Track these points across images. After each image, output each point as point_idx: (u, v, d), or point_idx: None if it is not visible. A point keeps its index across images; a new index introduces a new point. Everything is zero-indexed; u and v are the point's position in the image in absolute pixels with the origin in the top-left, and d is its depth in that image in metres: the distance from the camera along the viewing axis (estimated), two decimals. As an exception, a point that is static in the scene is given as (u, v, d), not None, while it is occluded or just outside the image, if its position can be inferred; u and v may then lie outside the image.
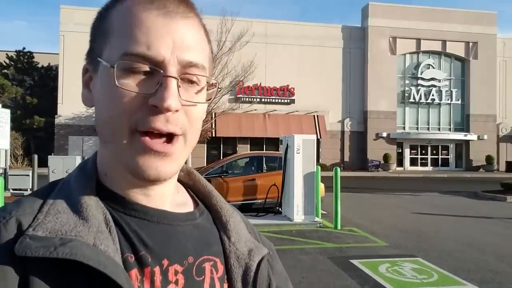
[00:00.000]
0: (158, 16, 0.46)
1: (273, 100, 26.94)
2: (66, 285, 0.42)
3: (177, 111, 0.46)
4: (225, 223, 0.57)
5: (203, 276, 0.51)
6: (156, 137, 0.46)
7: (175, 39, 0.46)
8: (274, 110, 26.87)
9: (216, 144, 26.11)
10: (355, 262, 5.09)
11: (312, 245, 6.06)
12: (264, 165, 9.21)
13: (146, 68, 0.45)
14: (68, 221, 0.44)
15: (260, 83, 25.84)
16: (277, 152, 11.51)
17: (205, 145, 25.19)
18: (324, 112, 27.32)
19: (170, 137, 0.47)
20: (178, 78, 0.46)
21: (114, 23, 0.47)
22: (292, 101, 27.14)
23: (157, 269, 0.47)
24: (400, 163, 28.53)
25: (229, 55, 12.11)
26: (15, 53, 27.03)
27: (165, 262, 0.48)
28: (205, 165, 24.48)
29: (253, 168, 9.20)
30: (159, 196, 0.52)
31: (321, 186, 8.44)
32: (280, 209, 8.29)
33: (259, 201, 8.70)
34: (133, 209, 0.49)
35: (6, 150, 6.72)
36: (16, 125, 22.24)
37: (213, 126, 23.03)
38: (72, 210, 0.46)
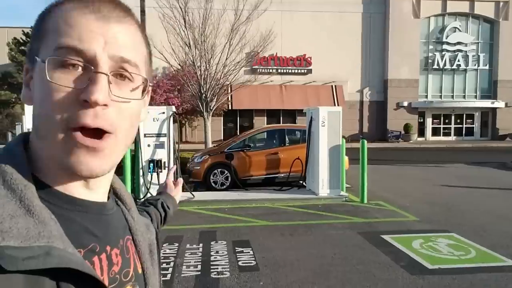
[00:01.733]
0: (92, 19, 0.48)
1: (290, 71, 26.29)
2: None
3: (106, 105, 0.47)
4: (130, 205, 0.63)
5: (130, 253, 0.58)
6: (88, 134, 0.47)
7: (107, 39, 0.48)
8: (291, 81, 26.29)
9: (232, 117, 25.98)
10: (386, 237, 4.98)
11: (340, 219, 5.98)
12: (286, 139, 9.04)
13: (78, 63, 0.47)
14: (28, 226, 0.43)
15: (276, 53, 25.13)
16: (300, 125, 11.28)
17: (222, 118, 25.09)
18: (342, 82, 26.55)
19: (100, 133, 0.48)
20: (109, 74, 0.48)
21: (50, 24, 0.49)
22: (309, 71, 26.42)
23: (103, 256, 0.52)
24: (421, 133, 27.79)
25: (246, 24, 11.63)
26: (31, 29, 26.96)
27: (108, 248, 0.53)
28: (222, 138, 24.61)
29: (275, 141, 9.06)
30: (97, 189, 0.54)
31: (345, 159, 8.25)
32: (304, 183, 8.20)
33: (282, 175, 8.63)
34: (76, 204, 0.51)
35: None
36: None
37: (229, 99, 22.80)
38: (24, 213, 0.44)
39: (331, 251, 4.49)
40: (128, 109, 0.50)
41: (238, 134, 25.21)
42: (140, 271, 0.60)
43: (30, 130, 0.52)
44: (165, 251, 4.45)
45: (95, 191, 0.54)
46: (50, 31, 0.48)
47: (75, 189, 0.51)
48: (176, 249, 4.51)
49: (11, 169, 0.47)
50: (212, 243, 4.79)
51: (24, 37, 27.26)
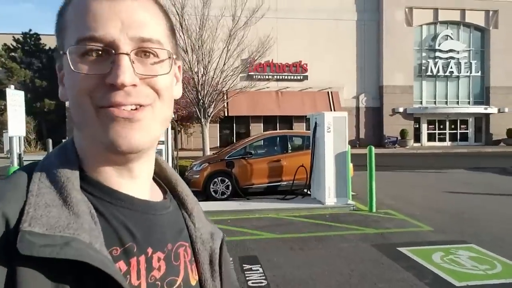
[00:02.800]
0: (104, 1, 0.48)
1: (286, 77, 26.19)
2: (56, 282, 0.41)
3: (135, 85, 0.48)
4: (191, 210, 0.59)
5: (179, 261, 0.54)
6: (122, 108, 0.48)
7: (123, 19, 0.48)
8: (287, 87, 26.15)
9: (228, 124, 25.69)
10: (403, 250, 4.68)
11: (350, 231, 5.67)
12: (289, 145, 8.75)
13: (99, 49, 0.47)
14: (60, 216, 0.43)
15: (272, 60, 24.98)
16: (302, 131, 11.02)
17: (218, 124, 24.76)
18: (338, 88, 26.50)
19: (136, 107, 0.48)
20: (130, 54, 0.48)
21: (68, 18, 0.49)
22: (305, 78, 26.35)
23: (142, 258, 0.49)
24: (417, 138, 27.80)
25: (244, 29, 11.41)
26: (22, 36, 26.44)
27: (150, 251, 0.50)
28: (218, 145, 24.25)
29: (277, 148, 8.76)
30: (140, 180, 0.52)
31: (350, 166, 7.98)
32: (308, 191, 7.89)
33: (285, 183, 8.32)
34: (119, 198, 0.50)
35: (20, 137, 6.38)
36: (27, 108, 21.94)
37: (226, 106, 22.52)
38: (61, 204, 0.45)
39: (347, 267, 4.17)
40: (158, 83, 0.50)
41: (235, 141, 25.15)
42: (193, 282, 0.56)
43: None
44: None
45: (139, 183, 0.52)
46: (68, 24, 0.49)
47: (120, 179, 0.50)
48: (179, 267, 4.15)
49: (59, 162, 0.48)
50: (218, 259, 4.43)
51: (14, 43, 26.69)
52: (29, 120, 22.36)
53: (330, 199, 7.07)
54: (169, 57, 0.51)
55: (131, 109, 0.47)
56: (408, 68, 27.17)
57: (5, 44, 25.65)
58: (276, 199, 7.81)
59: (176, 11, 11.06)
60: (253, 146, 8.71)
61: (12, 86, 6.40)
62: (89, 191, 0.48)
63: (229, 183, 8.03)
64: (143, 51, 0.48)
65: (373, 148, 7.03)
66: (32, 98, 24.40)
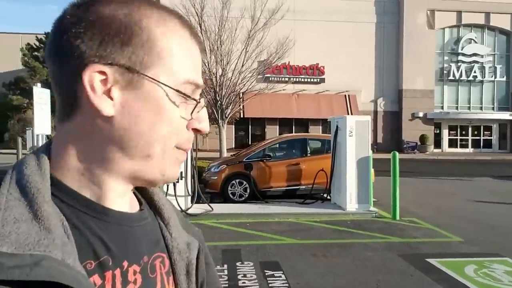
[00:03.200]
0: (199, 51, 0.51)
1: (302, 80, 25.95)
2: None
3: None
4: (168, 220, 0.57)
5: (155, 273, 0.52)
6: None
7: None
8: (303, 90, 25.90)
9: (244, 125, 25.60)
10: (433, 261, 4.43)
11: (374, 239, 5.43)
12: (308, 149, 8.55)
13: (192, 94, 0.49)
14: (30, 232, 0.41)
15: (289, 62, 24.76)
16: (322, 134, 10.80)
17: (233, 126, 24.71)
18: (356, 91, 26.07)
19: None
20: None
21: (165, 43, 0.47)
22: (322, 80, 26.05)
23: (117, 272, 0.47)
24: (437, 144, 27.06)
25: (264, 30, 11.29)
26: (45, 36, 27.10)
27: (125, 264, 0.48)
28: (234, 146, 24.18)
29: (296, 151, 8.58)
30: (125, 198, 0.52)
31: (371, 171, 7.72)
32: (328, 196, 7.68)
33: (304, 187, 8.13)
34: (94, 209, 0.48)
35: (48, 135, 6.41)
36: (50, 108, 22.54)
37: (241, 107, 22.45)
38: (31, 218, 0.42)
39: (373, 277, 3.96)
40: None
41: (250, 142, 25.05)
42: None
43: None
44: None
45: (123, 200, 0.51)
46: (165, 51, 0.47)
47: (104, 198, 0.49)
48: (199, 271, 4.03)
49: (29, 172, 0.45)
50: (237, 264, 4.29)
51: (37, 43, 27.39)
52: (53, 119, 22.87)
53: (352, 204, 6.84)
54: None
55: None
56: (429, 72, 26.51)
57: (28, 44, 26.35)
58: (295, 203, 7.62)
59: (196, 12, 11.04)
60: (272, 148, 8.55)
61: (39, 84, 6.44)
62: (63, 199, 0.46)
63: (247, 185, 7.90)
64: None
65: (397, 153, 6.76)
66: (53, 97, 24.99)
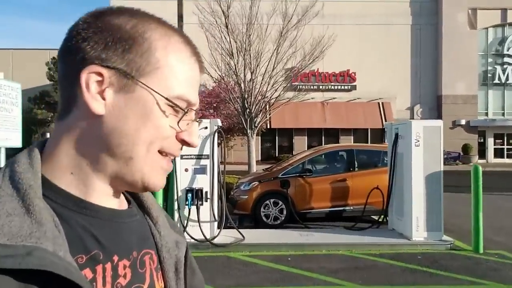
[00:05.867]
0: (198, 69, 0.53)
1: (332, 87, 24.57)
2: None
3: None
4: (156, 219, 0.59)
5: (145, 268, 0.54)
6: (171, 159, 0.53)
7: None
8: (334, 98, 24.46)
9: (270, 136, 24.42)
10: None
11: (463, 284, 4.01)
12: (356, 162, 7.18)
13: (184, 108, 0.51)
14: (22, 225, 0.42)
15: (318, 69, 23.48)
16: (374, 144, 9.42)
17: (259, 137, 23.55)
18: (390, 98, 24.35)
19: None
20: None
21: (164, 56, 0.49)
22: (354, 88, 24.56)
23: (108, 265, 0.48)
24: (482, 154, 24.73)
25: (297, 28, 10.11)
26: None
27: (116, 258, 0.50)
28: (260, 159, 22.97)
29: (342, 165, 7.24)
30: (113, 197, 0.53)
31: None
32: (385, 219, 6.26)
33: (350, 208, 6.77)
34: (84, 206, 0.49)
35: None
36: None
37: (268, 117, 21.29)
38: (23, 212, 0.43)
39: None
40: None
41: (277, 154, 23.77)
42: None
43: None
44: None
45: (114, 199, 0.53)
46: (163, 63, 0.49)
47: (94, 197, 0.50)
48: None
49: (22, 169, 0.47)
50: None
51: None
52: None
53: (419, 233, 5.41)
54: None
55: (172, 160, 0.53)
56: (472, 76, 24.45)
57: (53, 58, 26.48)
58: (343, 227, 6.27)
59: (222, 11, 10.05)
60: (312, 161, 7.24)
61: None
62: (53, 198, 0.47)
63: (283, 206, 6.62)
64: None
65: (479, 167, 5.30)
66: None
